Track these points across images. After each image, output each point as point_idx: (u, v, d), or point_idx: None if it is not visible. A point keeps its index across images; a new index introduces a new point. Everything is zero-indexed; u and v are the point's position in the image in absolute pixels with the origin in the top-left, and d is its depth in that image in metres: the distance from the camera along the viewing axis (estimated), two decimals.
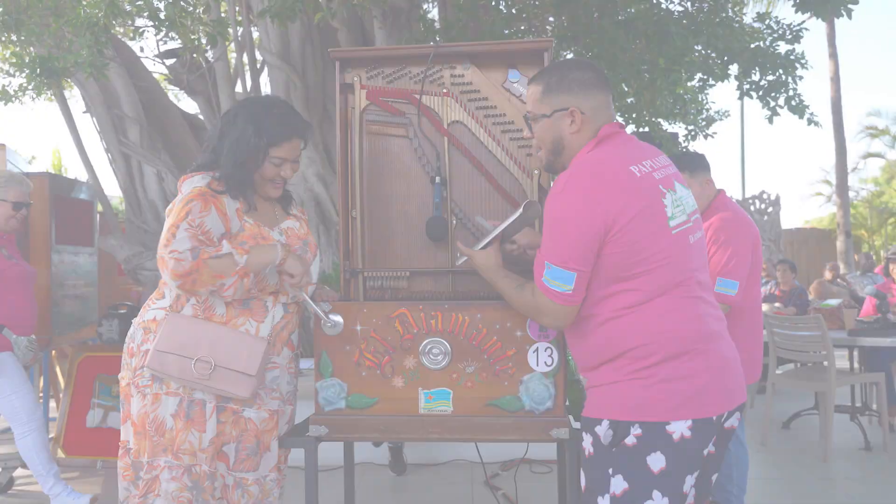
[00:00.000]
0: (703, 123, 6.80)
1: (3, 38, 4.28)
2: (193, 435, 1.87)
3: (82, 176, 5.07)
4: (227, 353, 1.85)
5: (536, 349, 1.83)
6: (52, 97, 5.17)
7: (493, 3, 4.41)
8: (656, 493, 1.57)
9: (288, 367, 2.02)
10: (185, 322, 1.91)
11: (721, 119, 7.49)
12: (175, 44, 5.72)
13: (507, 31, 4.11)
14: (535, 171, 2.20)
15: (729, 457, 2.80)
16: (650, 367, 1.58)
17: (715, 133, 6.52)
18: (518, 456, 4.06)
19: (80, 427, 4.67)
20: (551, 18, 4.62)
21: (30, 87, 4.45)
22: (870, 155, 20.90)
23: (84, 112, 5.95)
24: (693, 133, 6.27)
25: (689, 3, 4.35)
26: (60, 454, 4.57)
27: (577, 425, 2.01)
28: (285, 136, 1.95)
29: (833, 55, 15.78)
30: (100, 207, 5.97)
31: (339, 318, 1.89)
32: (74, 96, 6.07)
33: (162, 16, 3.75)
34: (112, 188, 6.97)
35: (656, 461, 1.57)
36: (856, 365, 5.64)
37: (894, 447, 4.51)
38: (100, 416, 4.69)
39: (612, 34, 3.79)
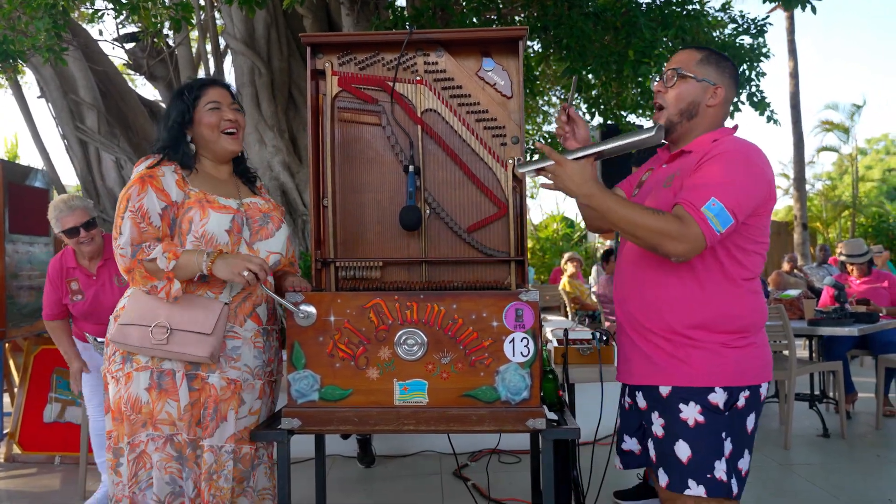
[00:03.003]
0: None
1: None
2: (170, 405, 1.91)
3: (38, 163, 4.88)
4: (184, 316, 1.88)
5: (513, 339, 1.82)
6: (6, 82, 4.97)
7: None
8: (746, 452, 1.78)
9: (254, 341, 2.01)
10: (145, 295, 1.94)
11: None
12: (134, 27, 5.55)
13: (476, 21, 4.09)
14: (510, 161, 2.18)
15: None
16: (753, 335, 1.79)
17: None
18: (487, 446, 4.08)
19: (37, 422, 4.54)
20: (520, 8, 4.61)
21: None
22: (825, 149, 21.46)
23: (38, 97, 5.75)
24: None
25: None
26: (16, 450, 4.43)
27: (552, 416, 2.02)
28: (206, 84, 2.08)
29: (792, 52, 16.12)
30: (55, 195, 5.80)
31: (311, 309, 1.85)
32: (28, 81, 5.84)
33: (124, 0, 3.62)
34: (69, 176, 6.77)
35: (751, 422, 1.79)
36: (814, 354, 5.79)
37: (851, 434, 4.64)
38: (57, 411, 4.57)
39: (581, 25, 3.79)
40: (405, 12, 4.05)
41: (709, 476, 1.73)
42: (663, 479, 1.79)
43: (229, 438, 1.92)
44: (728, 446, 1.75)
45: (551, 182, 1.77)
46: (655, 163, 2.03)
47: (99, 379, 3.33)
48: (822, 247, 9.90)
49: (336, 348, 1.85)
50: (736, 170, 1.70)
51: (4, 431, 4.66)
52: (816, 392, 5.12)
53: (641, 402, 1.89)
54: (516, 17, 5.25)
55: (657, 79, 1.93)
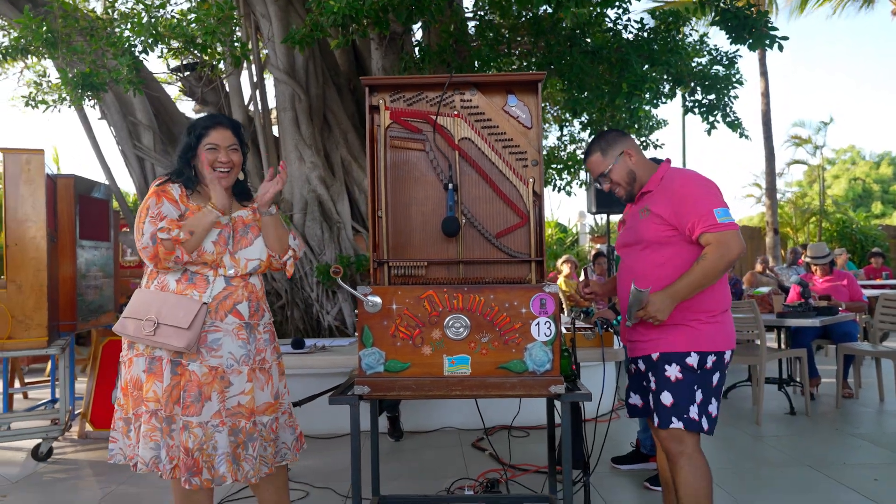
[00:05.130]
0: (647, 132, 7.20)
1: (38, 55, 4.38)
2: (156, 385, 2.14)
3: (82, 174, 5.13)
4: (169, 312, 2.10)
5: (538, 323, 2.12)
6: (70, 105, 5.26)
7: (479, 32, 4.67)
8: (713, 400, 2.24)
9: (237, 333, 2.19)
10: (143, 293, 2.20)
11: (661, 127, 7.96)
12: (191, 59, 5.86)
13: (490, 54, 4.38)
14: (531, 179, 2.48)
15: None
16: (717, 315, 2.25)
17: (661, 143, 6.96)
18: (500, 423, 4.38)
19: (106, 403, 4.81)
20: (528, 43, 4.91)
21: (66, 98, 4.57)
22: (795, 162, 21.86)
23: (100, 119, 6.05)
24: (644, 144, 6.66)
25: (644, 33, 4.69)
26: (88, 427, 4.71)
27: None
28: (210, 125, 2.25)
29: (764, 73, 16.43)
30: (116, 206, 6.08)
31: (377, 299, 2.15)
32: (89, 104, 6.13)
33: (198, 41, 3.92)
34: (126, 187, 7.06)
35: (716, 378, 2.25)
36: (782, 343, 6.08)
37: (814, 412, 4.95)
38: None
39: (580, 61, 4.11)
40: (430, 48, 4.37)
41: (685, 416, 2.21)
42: (656, 420, 2.24)
43: (215, 415, 2.11)
44: (699, 395, 2.22)
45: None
46: (629, 207, 2.54)
47: None
48: (792, 250, 10.20)
49: (397, 330, 2.15)
50: (700, 183, 2.24)
51: (77, 412, 4.95)
52: (784, 376, 5.42)
53: (642, 366, 2.33)
54: (520, 50, 5.56)
55: (600, 185, 2.49)
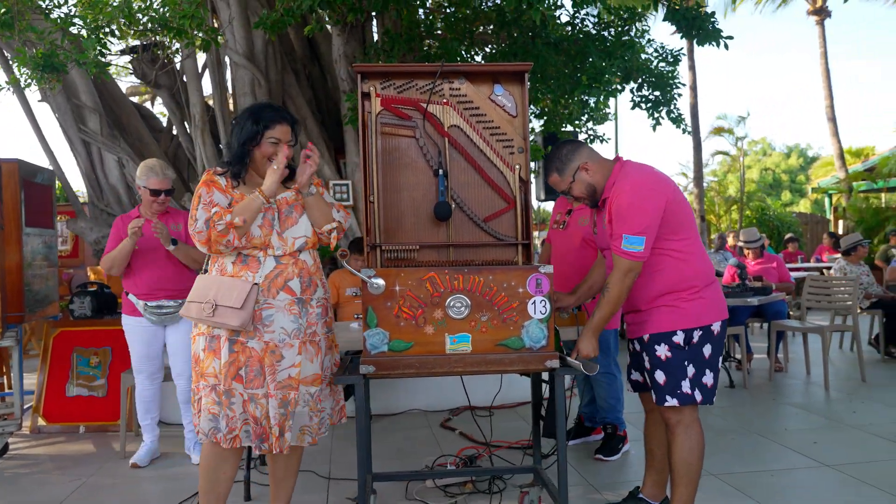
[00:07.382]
0: (595, 123, 7.46)
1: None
2: (215, 361, 2.28)
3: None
4: (224, 295, 2.24)
5: (534, 301, 2.22)
6: (9, 86, 4.96)
7: (444, 21, 4.70)
8: (707, 371, 2.36)
9: (288, 308, 2.29)
10: (204, 278, 2.37)
11: (609, 119, 8.23)
12: (143, 41, 5.63)
13: (458, 43, 4.44)
14: (517, 165, 2.58)
15: (616, 387, 3.46)
16: (700, 290, 2.37)
17: (608, 137, 7.22)
18: (463, 404, 4.48)
19: (60, 396, 4.64)
20: (492, 35, 4.99)
21: (26, 81, 4.32)
22: (718, 152, 23.02)
23: (39, 101, 5.73)
24: (591, 137, 6.90)
25: (600, 27, 4.86)
26: (41, 422, 4.53)
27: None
28: (276, 120, 2.35)
29: (692, 67, 17.18)
30: (59, 190, 5.79)
31: (381, 281, 2.20)
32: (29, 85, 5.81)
33: (174, 25, 3.77)
34: (70, 171, 6.71)
35: (707, 350, 2.36)
36: None
37: (751, 385, 5.31)
38: (78, 385, 4.68)
39: (543, 53, 4.23)
40: (399, 36, 4.37)
41: (678, 392, 2.32)
42: (654, 397, 2.38)
43: (275, 386, 2.25)
44: (691, 370, 2.35)
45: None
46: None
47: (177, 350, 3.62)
48: (720, 235, 10.76)
49: (400, 311, 2.20)
50: (630, 204, 2.27)
51: (27, 406, 4.73)
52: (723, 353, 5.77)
53: (637, 347, 2.48)
54: (474, 40, 5.63)
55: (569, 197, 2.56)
